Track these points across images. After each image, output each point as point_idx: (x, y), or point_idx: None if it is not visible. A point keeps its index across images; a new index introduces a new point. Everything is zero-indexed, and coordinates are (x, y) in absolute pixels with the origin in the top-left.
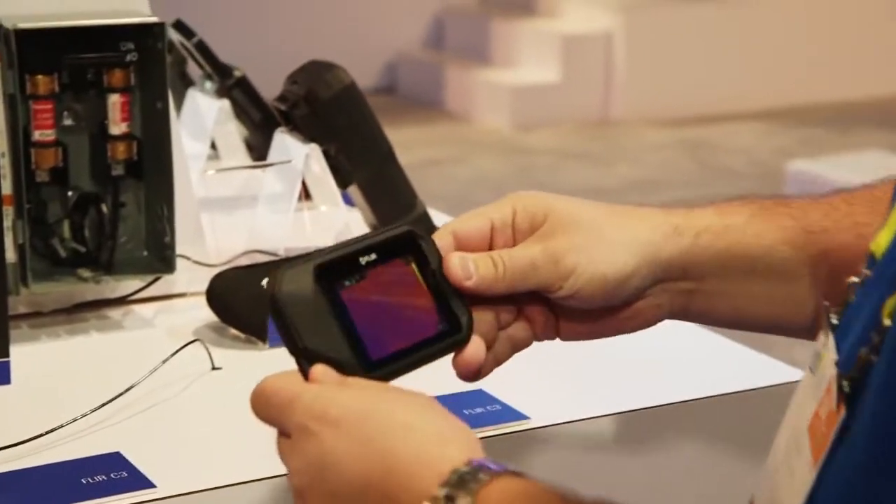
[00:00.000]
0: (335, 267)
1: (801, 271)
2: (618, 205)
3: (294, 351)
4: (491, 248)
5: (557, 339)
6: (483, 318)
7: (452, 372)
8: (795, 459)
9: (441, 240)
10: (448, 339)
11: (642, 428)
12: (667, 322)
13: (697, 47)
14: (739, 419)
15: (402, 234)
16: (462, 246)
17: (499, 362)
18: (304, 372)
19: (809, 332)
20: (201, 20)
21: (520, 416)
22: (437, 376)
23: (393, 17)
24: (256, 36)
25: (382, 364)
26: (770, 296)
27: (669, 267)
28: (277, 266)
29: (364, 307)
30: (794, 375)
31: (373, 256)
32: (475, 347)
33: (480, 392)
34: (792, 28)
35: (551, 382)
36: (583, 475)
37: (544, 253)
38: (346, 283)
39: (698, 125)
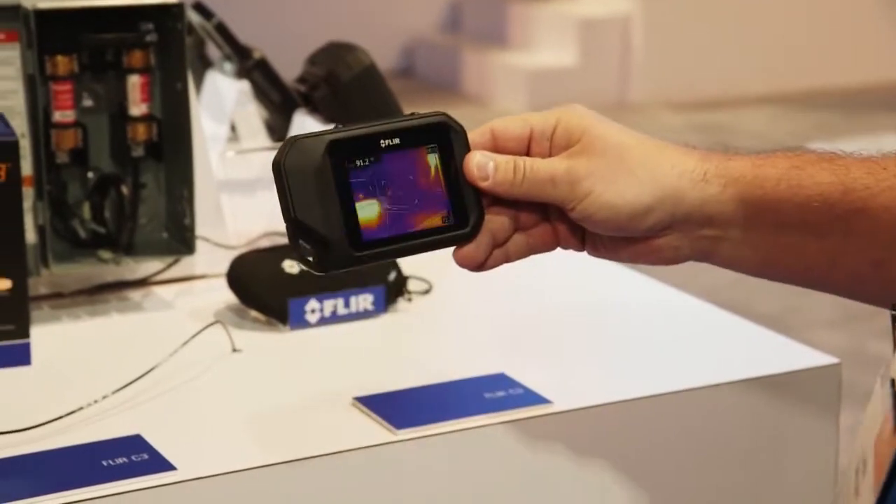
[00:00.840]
0: (350, 145)
1: (836, 227)
2: (661, 141)
3: (286, 219)
4: (527, 154)
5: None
6: (499, 217)
7: (474, 356)
8: (861, 479)
9: (479, 135)
10: (451, 232)
11: (664, 412)
12: (690, 304)
13: (714, 31)
14: (764, 404)
15: (435, 123)
16: (498, 146)
17: (509, 259)
18: (293, 242)
19: (847, 291)
20: (219, 1)
21: (541, 400)
22: (459, 360)
23: (410, 0)
24: (274, 17)
25: (373, 245)
26: (801, 249)
27: (692, 213)
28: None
29: (370, 189)
30: (818, 360)
31: (395, 141)
32: (476, 245)
33: (502, 376)
34: (808, 12)
35: (573, 366)
36: (605, 460)
37: (567, 172)
38: (359, 162)
39: (714, 109)
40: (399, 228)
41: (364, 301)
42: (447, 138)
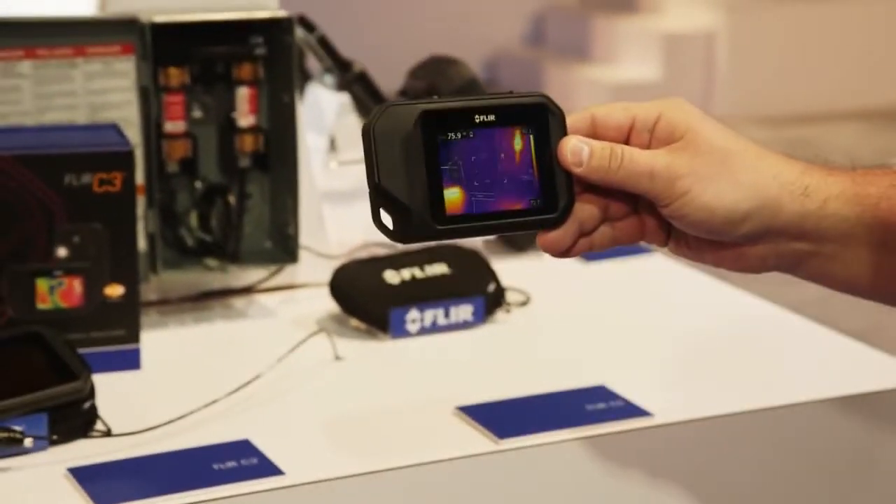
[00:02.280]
0: (444, 116)
1: None
2: (763, 148)
3: (369, 184)
4: (626, 143)
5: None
6: (589, 205)
7: (574, 368)
8: None
9: (579, 120)
10: (538, 216)
11: (761, 427)
12: (787, 320)
13: (799, 46)
14: (860, 421)
15: (534, 104)
16: (598, 133)
17: (594, 248)
18: (374, 209)
19: None
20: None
21: (642, 413)
22: (559, 372)
23: (493, 13)
24: (360, 31)
25: (455, 220)
26: (893, 269)
27: (787, 226)
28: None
29: (458, 163)
30: None
31: (490, 117)
32: (563, 232)
33: (603, 388)
34: (893, 28)
35: (673, 379)
36: (703, 473)
37: (667, 168)
38: (451, 135)
39: (800, 124)
40: (484, 206)
41: (464, 312)
42: (544, 120)
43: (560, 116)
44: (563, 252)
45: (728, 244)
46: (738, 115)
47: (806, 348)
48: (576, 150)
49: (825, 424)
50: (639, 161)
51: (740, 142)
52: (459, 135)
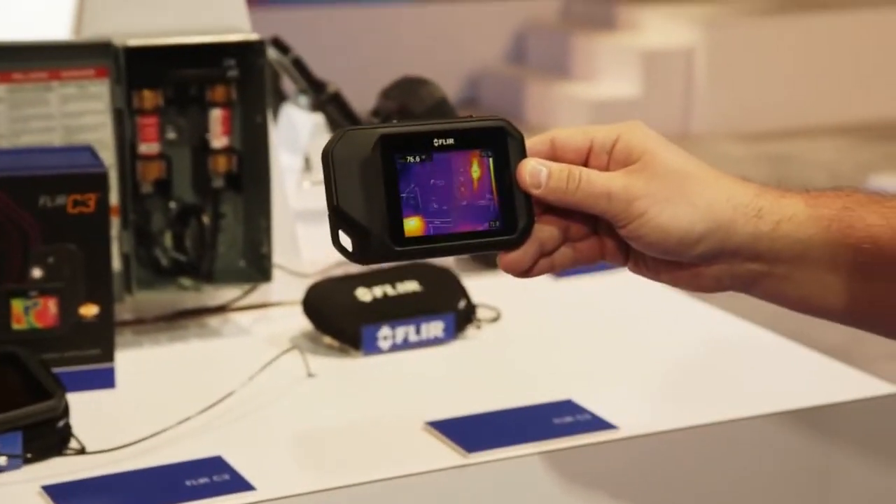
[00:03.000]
0: (404, 140)
1: (884, 270)
2: (718, 171)
3: (329, 207)
4: (585, 165)
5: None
6: (549, 226)
7: (542, 383)
8: None
9: (538, 143)
10: (497, 237)
11: (728, 439)
12: (755, 334)
13: (778, 62)
14: (827, 432)
15: (493, 127)
16: (557, 156)
17: (555, 269)
18: (333, 231)
19: (891, 333)
20: (295, 37)
21: (608, 426)
22: (527, 387)
23: (475, 32)
24: (343, 51)
25: (414, 242)
26: (845, 290)
27: (741, 247)
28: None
29: (417, 186)
30: (881, 390)
31: (449, 141)
32: (522, 252)
33: (569, 402)
34: (873, 43)
35: (640, 393)
36: (671, 486)
37: (623, 189)
38: (409, 158)
39: (779, 140)
40: (443, 228)
41: (435, 328)
42: (503, 143)
43: (519, 140)
44: (523, 272)
45: (684, 264)
46: (718, 131)
47: (772, 362)
48: (534, 171)
49: (790, 436)
50: (596, 183)
51: (696, 164)
52: (419, 158)
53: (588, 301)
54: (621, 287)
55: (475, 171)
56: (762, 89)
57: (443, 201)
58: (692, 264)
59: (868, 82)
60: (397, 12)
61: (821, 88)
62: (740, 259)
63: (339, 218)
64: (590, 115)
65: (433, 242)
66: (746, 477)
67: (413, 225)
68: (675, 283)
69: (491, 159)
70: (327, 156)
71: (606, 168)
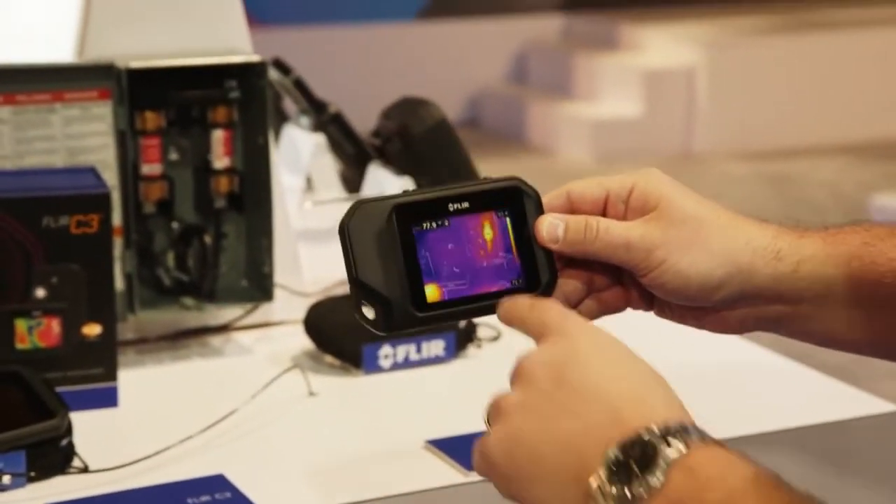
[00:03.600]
0: (417, 208)
1: None
2: (735, 214)
3: (349, 280)
4: (603, 216)
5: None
6: (572, 280)
7: None
8: None
9: (555, 198)
10: (520, 294)
11: None
12: (758, 354)
13: (779, 82)
14: (829, 452)
15: (508, 187)
16: (574, 208)
17: None
18: (356, 303)
19: None
20: (296, 57)
21: None
22: None
23: (476, 51)
24: (342, 71)
25: (436, 307)
26: (872, 324)
27: (762, 290)
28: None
29: (436, 252)
30: (882, 408)
31: (464, 205)
32: None
33: None
34: (874, 62)
35: None
36: None
37: (642, 238)
38: (425, 225)
39: (781, 159)
40: (465, 291)
41: (436, 347)
42: (519, 202)
43: (535, 197)
44: None
45: (708, 308)
46: (720, 151)
47: (776, 382)
48: (551, 226)
49: (794, 455)
50: (614, 233)
51: (713, 209)
52: (435, 224)
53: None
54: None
55: (493, 232)
56: (764, 109)
57: (462, 264)
58: (715, 309)
59: (869, 102)
60: (398, 32)
61: (822, 108)
62: (763, 301)
63: (360, 289)
64: (591, 134)
65: (456, 306)
66: None
67: (434, 291)
68: (700, 326)
69: (508, 219)
70: (344, 230)
71: (624, 217)
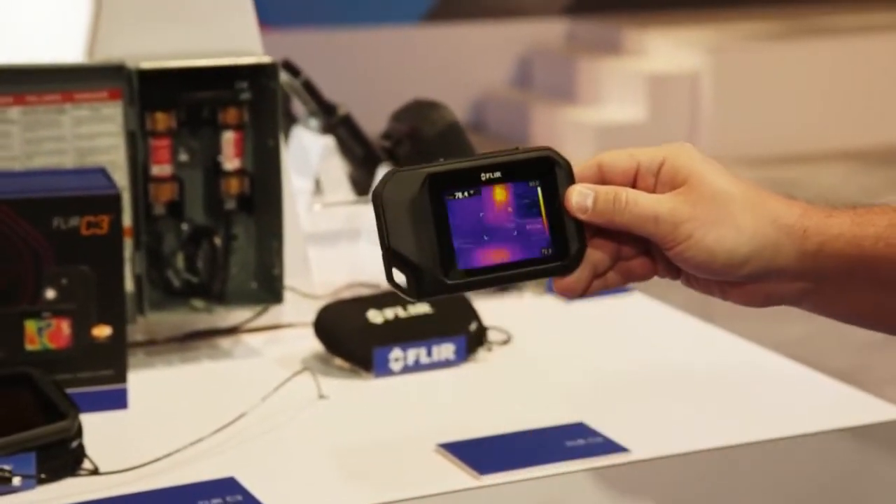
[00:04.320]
0: (450, 178)
1: None
2: (763, 191)
3: (381, 247)
4: (633, 187)
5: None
6: (600, 249)
7: (554, 406)
8: None
9: (586, 168)
10: (550, 263)
11: (740, 462)
12: (767, 358)
13: (783, 87)
14: (840, 456)
15: (540, 157)
16: (605, 179)
17: (608, 287)
18: (388, 269)
19: None
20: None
21: (620, 449)
22: (539, 409)
23: (481, 55)
24: (347, 74)
25: (468, 274)
26: (893, 305)
27: (787, 267)
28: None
29: (468, 220)
30: (891, 414)
31: (496, 174)
32: (576, 277)
33: (581, 425)
34: (878, 68)
35: (652, 416)
36: None
37: (670, 213)
38: (458, 194)
39: (784, 165)
40: (496, 258)
41: (446, 350)
42: (551, 172)
43: (567, 167)
44: (578, 295)
45: (733, 282)
46: (723, 156)
47: (782, 387)
48: (581, 196)
49: (801, 460)
50: (643, 205)
51: (741, 185)
52: (467, 193)
53: (598, 324)
54: (632, 310)
55: (523, 201)
56: (767, 114)
57: (493, 233)
58: (741, 283)
59: (873, 107)
60: (402, 36)
61: (826, 113)
62: (788, 278)
63: (392, 257)
64: (595, 139)
65: (486, 273)
66: (757, 500)
67: (465, 258)
68: (725, 298)
69: (540, 188)
70: (378, 198)
71: (653, 190)
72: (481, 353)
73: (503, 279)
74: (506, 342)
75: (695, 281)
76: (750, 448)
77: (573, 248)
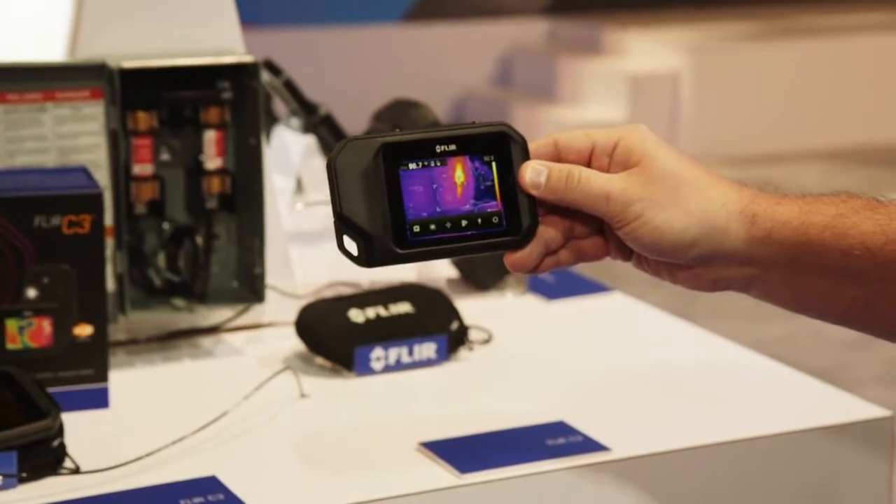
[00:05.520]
0: (404, 148)
1: (875, 275)
2: (715, 175)
3: (334, 213)
4: (588, 166)
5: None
6: (553, 227)
7: (535, 405)
8: None
9: (542, 145)
10: (502, 237)
11: (719, 461)
12: (746, 357)
13: (763, 87)
14: (817, 455)
15: (496, 132)
16: (560, 157)
17: (560, 265)
18: (339, 237)
19: (881, 333)
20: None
21: (600, 448)
22: (520, 408)
23: (461, 54)
24: (327, 73)
25: (418, 244)
26: (839, 294)
27: (734, 252)
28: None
29: (421, 191)
30: (871, 413)
31: (451, 147)
32: (528, 252)
33: (562, 424)
34: (857, 68)
35: (632, 415)
36: None
37: (622, 192)
38: (411, 165)
39: (764, 164)
40: (447, 230)
41: (427, 349)
42: (506, 147)
43: (522, 143)
44: (529, 271)
45: (682, 265)
46: (703, 156)
47: (763, 385)
48: (534, 172)
49: (782, 459)
50: (595, 183)
51: (693, 169)
52: (420, 164)
53: (580, 323)
54: (612, 309)
55: (477, 175)
56: (747, 114)
57: (446, 205)
58: (689, 266)
59: (853, 107)
60: (382, 35)
61: (806, 113)
62: (735, 263)
63: (343, 224)
64: None
65: (437, 245)
66: (737, 498)
67: (416, 229)
68: (674, 281)
69: (494, 163)
70: (331, 165)
71: (608, 170)
72: (462, 353)
73: (454, 251)
74: (487, 341)
75: (645, 262)
76: (730, 447)
77: (525, 224)
